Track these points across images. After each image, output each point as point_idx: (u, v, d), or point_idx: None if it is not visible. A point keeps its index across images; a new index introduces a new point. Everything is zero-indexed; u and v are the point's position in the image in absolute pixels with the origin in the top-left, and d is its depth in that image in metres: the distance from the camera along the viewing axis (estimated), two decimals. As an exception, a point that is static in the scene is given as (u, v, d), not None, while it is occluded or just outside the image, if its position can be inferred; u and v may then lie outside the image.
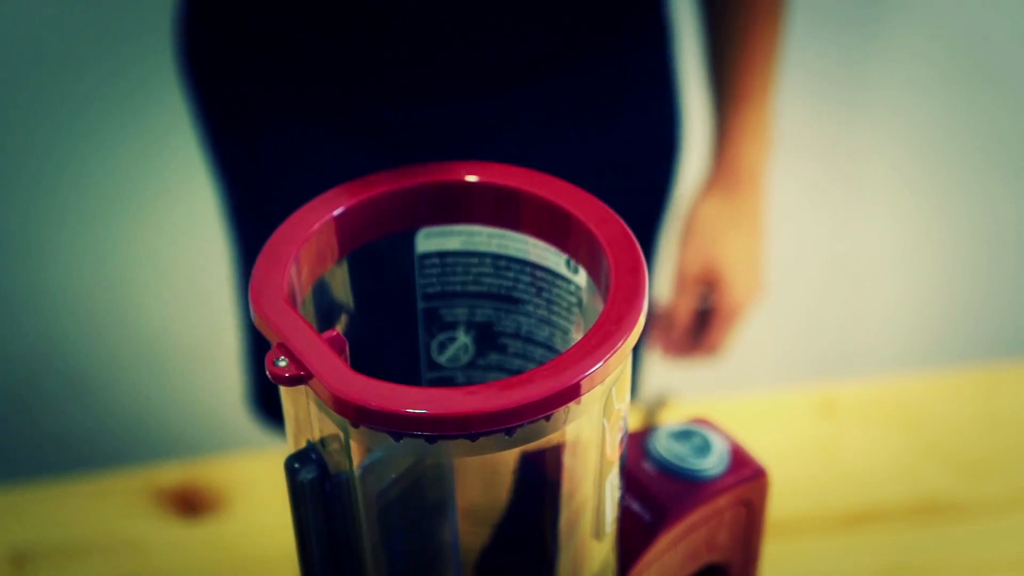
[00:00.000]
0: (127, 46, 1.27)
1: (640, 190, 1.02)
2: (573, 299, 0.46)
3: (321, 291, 0.47)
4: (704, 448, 0.54)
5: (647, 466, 0.53)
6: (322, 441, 0.43)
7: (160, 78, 1.11)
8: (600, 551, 0.49)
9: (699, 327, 1.03)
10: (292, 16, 0.86)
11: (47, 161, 1.43)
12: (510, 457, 0.45)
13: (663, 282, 1.08)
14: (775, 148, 1.02)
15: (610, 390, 0.43)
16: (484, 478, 0.47)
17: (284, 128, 0.90)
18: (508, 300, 0.50)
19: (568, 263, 0.47)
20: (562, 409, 0.40)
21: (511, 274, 0.50)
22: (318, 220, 0.46)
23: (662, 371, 1.18)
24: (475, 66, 0.88)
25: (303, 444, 0.44)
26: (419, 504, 0.47)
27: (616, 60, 0.94)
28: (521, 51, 0.89)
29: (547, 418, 0.41)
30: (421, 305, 0.52)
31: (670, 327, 1.04)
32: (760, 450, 0.56)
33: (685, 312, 1.02)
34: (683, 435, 0.54)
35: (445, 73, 0.88)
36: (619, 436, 0.46)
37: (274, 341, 0.41)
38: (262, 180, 0.94)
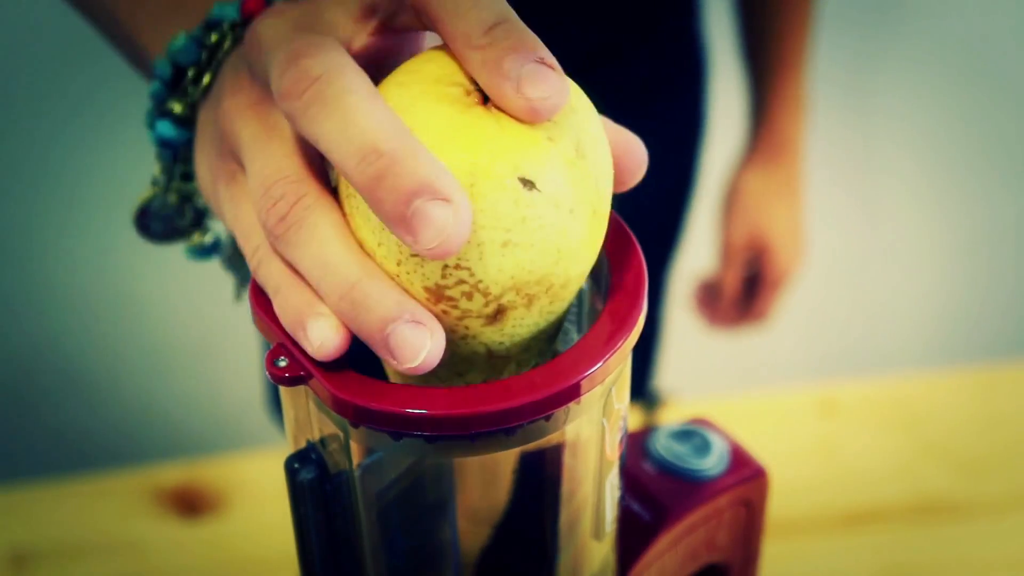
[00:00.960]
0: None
1: (662, 191, 1.02)
2: (573, 299, 0.46)
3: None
4: (704, 448, 0.54)
5: (647, 466, 0.53)
6: (322, 441, 0.43)
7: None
8: (600, 551, 0.49)
9: (746, 296, 1.07)
10: None
11: (49, 159, 1.43)
12: (510, 457, 0.45)
13: (708, 255, 1.10)
14: (810, 117, 1.04)
15: (610, 390, 0.43)
16: (484, 478, 0.47)
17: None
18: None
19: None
20: (562, 409, 0.40)
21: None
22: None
23: (662, 371, 1.18)
24: None
25: (303, 444, 0.44)
26: (419, 504, 0.47)
27: (647, 61, 0.94)
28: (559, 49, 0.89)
29: (547, 418, 0.41)
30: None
31: (718, 298, 1.06)
32: (760, 450, 0.56)
33: (733, 282, 1.06)
34: (683, 435, 0.54)
35: None
36: (619, 436, 0.46)
37: (274, 341, 0.41)
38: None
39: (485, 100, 0.39)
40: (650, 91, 0.96)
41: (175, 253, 1.50)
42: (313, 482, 0.43)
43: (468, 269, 0.39)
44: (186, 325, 1.54)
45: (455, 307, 0.40)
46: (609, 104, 0.96)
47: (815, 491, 0.93)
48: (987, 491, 0.93)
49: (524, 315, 0.41)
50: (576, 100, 0.40)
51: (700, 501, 0.52)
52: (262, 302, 0.42)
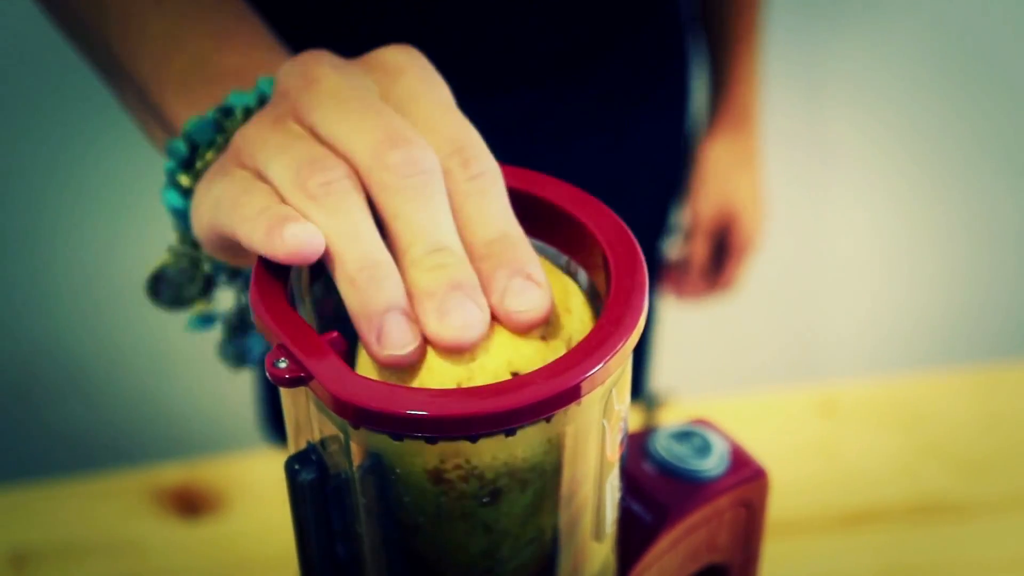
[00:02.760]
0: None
1: (648, 194, 1.03)
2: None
3: (321, 291, 0.47)
4: (704, 448, 0.54)
5: (647, 467, 0.53)
6: (322, 442, 0.43)
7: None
8: (600, 552, 0.49)
9: (714, 267, 1.10)
10: (300, 14, 0.86)
11: (51, 159, 1.43)
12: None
13: (674, 229, 1.12)
14: (765, 88, 1.10)
15: (610, 391, 0.43)
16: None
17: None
18: (508, 301, 0.50)
19: (568, 264, 0.47)
20: (562, 410, 0.40)
21: (511, 275, 0.49)
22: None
23: (662, 371, 1.18)
24: (490, 67, 0.89)
25: (303, 445, 0.44)
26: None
27: (632, 63, 0.95)
28: (539, 52, 0.90)
29: (547, 419, 0.41)
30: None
31: (686, 271, 1.09)
32: (760, 450, 0.56)
33: (701, 254, 1.08)
34: (683, 435, 0.54)
35: (460, 74, 0.88)
36: (619, 437, 0.46)
37: (274, 342, 0.41)
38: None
39: None
40: (636, 86, 0.97)
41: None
42: (313, 483, 0.43)
43: (464, 455, 0.41)
44: (186, 325, 1.54)
45: (452, 489, 0.42)
46: (595, 101, 0.96)
47: (815, 491, 0.93)
48: (987, 491, 0.93)
49: (519, 497, 0.43)
50: (572, 301, 0.44)
51: (700, 502, 0.52)
52: (262, 302, 0.42)
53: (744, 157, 1.08)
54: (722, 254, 1.11)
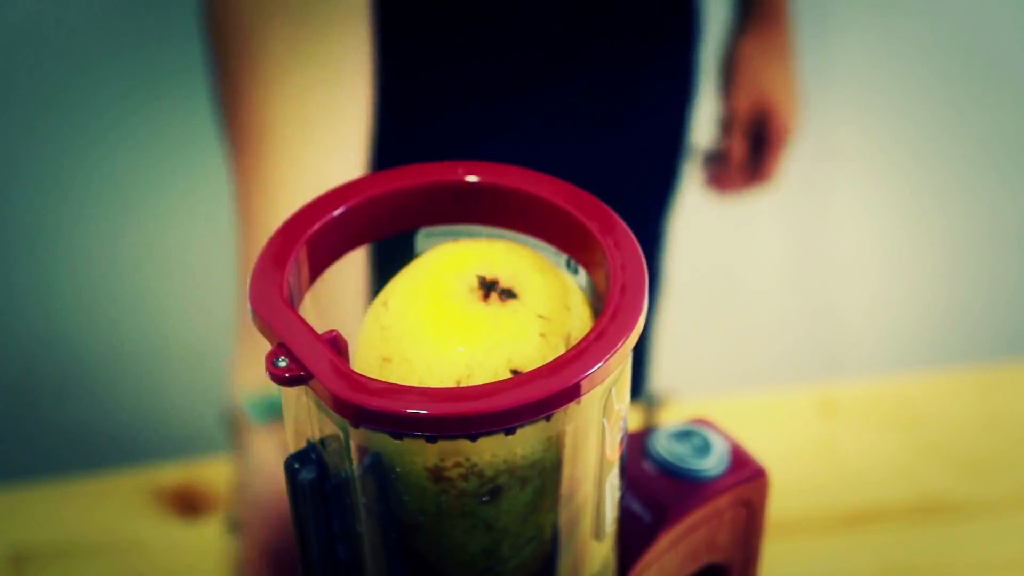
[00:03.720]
0: (135, 46, 1.28)
1: (646, 191, 1.03)
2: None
3: (321, 291, 0.47)
4: (704, 448, 0.54)
5: (647, 466, 0.53)
6: (322, 441, 0.43)
7: (166, 76, 1.11)
8: (600, 551, 0.49)
9: (752, 160, 1.11)
10: None
11: (53, 158, 1.43)
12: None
13: (711, 126, 1.14)
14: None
15: (610, 390, 0.43)
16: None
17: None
18: (508, 300, 0.50)
19: (568, 263, 0.47)
20: (562, 409, 0.40)
21: (511, 274, 0.49)
22: (318, 220, 0.46)
23: (662, 371, 1.18)
24: (488, 67, 0.89)
25: (303, 444, 0.44)
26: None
27: (631, 59, 0.95)
28: (538, 52, 0.90)
29: (547, 418, 0.41)
30: (421, 305, 0.51)
31: (725, 166, 1.11)
32: (760, 450, 0.56)
33: (740, 148, 1.12)
34: (683, 435, 0.54)
35: (456, 74, 0.88)
36: (619, 436, 0.46)
37: (274, 341, 0.41)
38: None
39: (486, 296, 0.43)
40: (630, 98, 0.97)
41: (176, 253, 1.51)
42: (313, 482, 0.43)
43: (464, 454, 0.42)
44: (186, 325, 1.54)
45: (452, 487, 0.42)
46: (597, 59, 0.96)
47: (815, 491, 0.93)
48: (987, 491, 0.93)
49: (519, 495, 0.43)
50: (571, 300, 0.44)
51: (700, 501, 0.52)
52: (262, 302, 0.42)
53: (777, 51, 1.10)
54: (760, 147, 1.13)
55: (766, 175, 1.15)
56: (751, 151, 1.13)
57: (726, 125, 1.13)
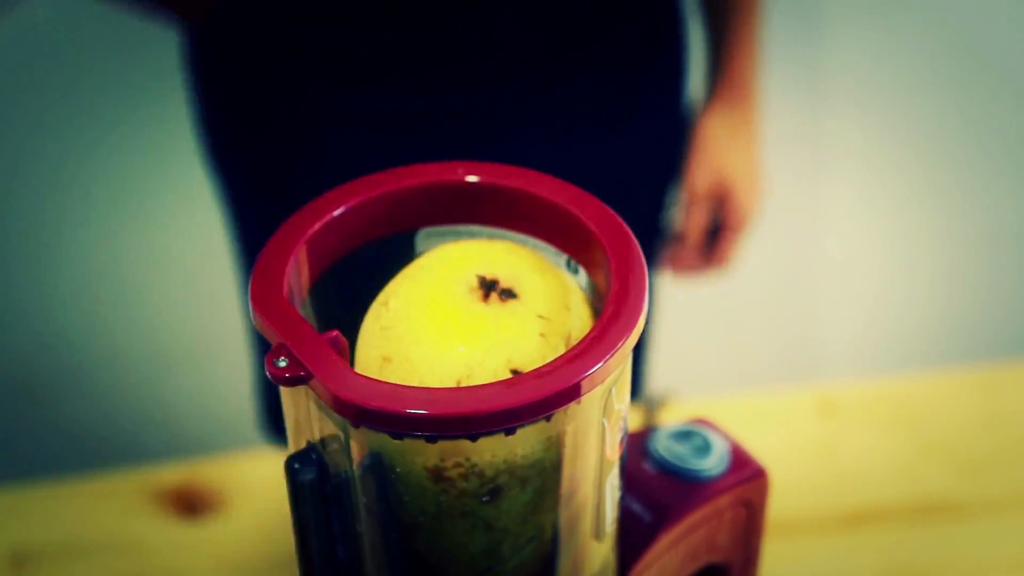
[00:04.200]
0: (135, 48, 1.28)
1: (647, 184, 1.03)
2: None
3: (321, 291, 0.47)
4: (704, 448, 0.54)
5: (647, 466, 0.53)
6: (322, 441, 0.43)
7: (166, 78, 1.11)
8: (600, 551, 0.49)
9: (709, 243, 1.08)
10: (297, 11, 0.86)
11: (54, 160, 1.43)
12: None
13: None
14: (763, 61, 1.07)
15: (610, 390, 0.43)
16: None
17: (285, 126, 0.90)
18: (508, 300, 0.50)
19: (568, 263, 0.47)
20: (562, 409, 0.40)
21: (511, 274, 0.49)
22: (318, 220, 0.46)
23: (662, 371, 1.18)
24: (487, 62, 0.89)
25: (303, 444, 0.44)
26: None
27: (629, 59, 0.94)
28: (531, 42, 0.89)
29: (547, 418, 0.41)
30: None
31: (681, 246, 1.08)
32: (760, 450, 0.56)
33: (697, 229, 1.07)
34: (683, 435, 0.54)
35: (455, 69, 0.88)
36: (619, 436, 0.46)
37: (274, 341, 0.41)
38: (264, 178, 0.94)
39: (486, 296, 0.44)
40: (631, 73, 0.96)
41: (177, 254, 1.51)
42: (313, 482, 0.43)
43: (464, 454, 0.42)
44: (186, 325, 1.54)
45: (452, 487, 0.43)
46: (590, 91, 0.96)
47: (815, 491, 0.92)
48: (987, 491, 0.93)
49: (519, 495, 0.44)
50: (572, 299, 0.45)
51: (700, 501, 0.52)
52: (262, 302, 0.42)
53: (741, 130, 1.06)
54: (716, 231, 1.09)
55: (720, 260, 1.10)
56: (708, 233, 1.08)
57: (685, 203, 1.07)
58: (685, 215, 1.08)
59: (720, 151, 1.06)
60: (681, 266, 1.10)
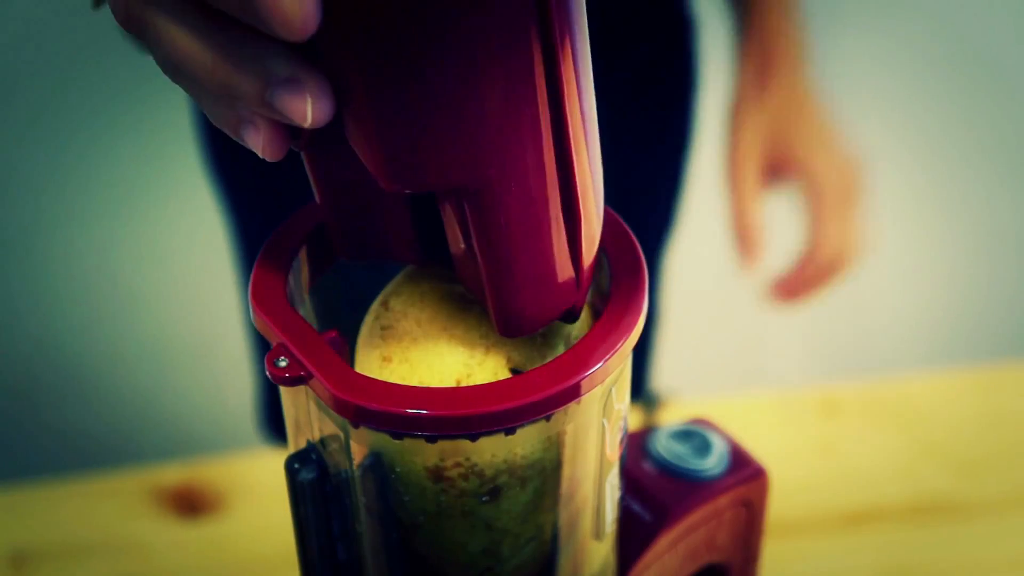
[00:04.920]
0: (135, 48, 1.28)
1: (647, 191, 1.02)
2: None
3: (321, 291, 0.47)
4: (704, 448, 0.54)
5: (647, 466, 0.53)
6: (322, 441, 0.43)
7: (166, 77, 1.11)
8: (600, 551, 0.49)
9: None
10: None
11: (52, 159, 1.43)
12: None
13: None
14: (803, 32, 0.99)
15: (610, 390, 0.43)
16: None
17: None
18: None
19: (568, 263, 0.47)
20: (562, 409, 0.40)
21: (511, 274, 0.49)
22: (318, 220, 0.46)
23: (662, 371, 1.18)
24: None
25: (303, 444, 0.44)
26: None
27: (638, 72, 0.94)
28: None
29: (547, 418, 0.41)
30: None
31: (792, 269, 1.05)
32: (760, 450, 0.56)
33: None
34: (683, 435, 0.54)
35: None
36: (619, 436, 0.46)
37: (274, 341, 0.41)
38: (264, 178, 0.94)
39: None
40: (641, 82, 0.96)
41: (176, 254, 1.51)
42: (313, 482, 0.43)
43: (464, 453, 0.42)
44: (186, 325, 1.54)
45: (452, 487, 0.42)
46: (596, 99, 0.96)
47: (815, 491, 0.92)
48: (987, 491, 0.93)
49: (519, 495, 0.43)
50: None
51: (700, 501, 0.52)
52: (262, 302, 0.42)
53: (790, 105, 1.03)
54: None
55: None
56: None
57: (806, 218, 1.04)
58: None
59: (775, 134, 1.01)
60: (790, 292, 1.08)
